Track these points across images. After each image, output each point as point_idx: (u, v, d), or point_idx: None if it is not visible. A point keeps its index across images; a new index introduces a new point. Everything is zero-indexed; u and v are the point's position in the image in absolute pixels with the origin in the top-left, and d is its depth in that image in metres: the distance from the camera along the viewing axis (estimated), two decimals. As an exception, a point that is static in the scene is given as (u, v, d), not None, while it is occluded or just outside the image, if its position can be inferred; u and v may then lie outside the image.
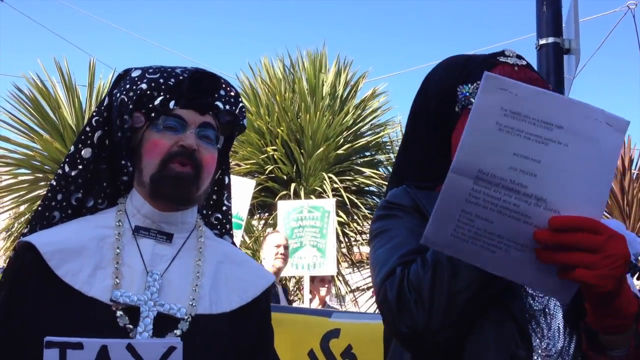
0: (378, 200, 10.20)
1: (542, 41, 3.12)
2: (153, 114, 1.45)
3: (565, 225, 0.92)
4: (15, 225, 9.56)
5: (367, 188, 10.46)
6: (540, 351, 1.17)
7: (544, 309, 1.21)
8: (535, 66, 3.20)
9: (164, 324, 1.33)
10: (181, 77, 1.48)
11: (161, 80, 1.47)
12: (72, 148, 1.52)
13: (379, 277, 1.22)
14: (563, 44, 3.09)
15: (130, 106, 1.46)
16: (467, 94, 1.32)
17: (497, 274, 1.03)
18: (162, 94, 1.46)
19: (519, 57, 1.37)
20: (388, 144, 10.79)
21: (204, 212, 1.62)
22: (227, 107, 1.52)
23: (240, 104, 1.57)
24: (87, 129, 1.52)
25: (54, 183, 1.49)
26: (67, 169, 1.48)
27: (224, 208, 1.66)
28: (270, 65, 11.01)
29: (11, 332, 1.31)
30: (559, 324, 1.20)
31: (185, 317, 1.35)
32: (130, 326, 1.29)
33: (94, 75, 9.86)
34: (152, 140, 1.44)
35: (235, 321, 1.42)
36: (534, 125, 0.92)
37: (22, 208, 9.71)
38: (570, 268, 0.93)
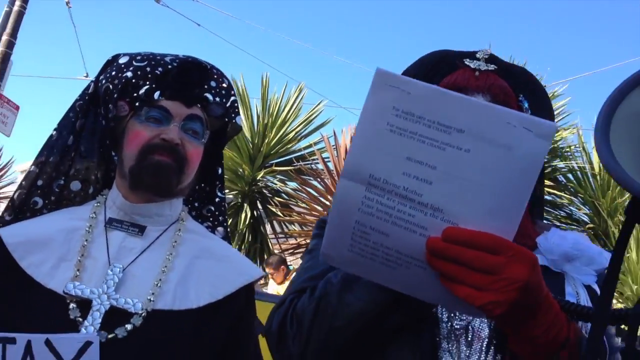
0: (555, 212, 9.60)
1: None
2: (137, 104, 1.41)
3: (459, 239, 0.81)
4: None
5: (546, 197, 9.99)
6: None
7: (466, 326, 1.09)
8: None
9: (116, 318, 1.27)
10: (169, 67, 1.43)
11: (148, 69, 1.43)
12: (53, 133, 1.50)
13: (274, 306, 1.19)
14: None
15: (115, 95, 1.42)
16: None
17: (402, 291, 0.94)
18: (147, 83, 1.41)
19: (491, 59, 1.24)
20: (566, 149, 9.99)
21: (196, 204, 1.60)
22: (218, 99, 1.47)
23: (233, 98, 1.50)
24: (71, 114, 1.50)
25: (34, 169, 1.47)
26: (46, 154, 1.47)
27: (217, 199, 1.60)
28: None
29: None
30: (482, 343, 1.08)
31: (140, 312, 1.29)
32: (80, 319, 1.26)
33: (267, 87, 10.34)
34: (135, 130, 1.40)
35: (204, 319, 1.34)
36: (429, 128, 0.83)
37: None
38: (458, 282, 0.83)
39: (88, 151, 1.49)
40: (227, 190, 9.71)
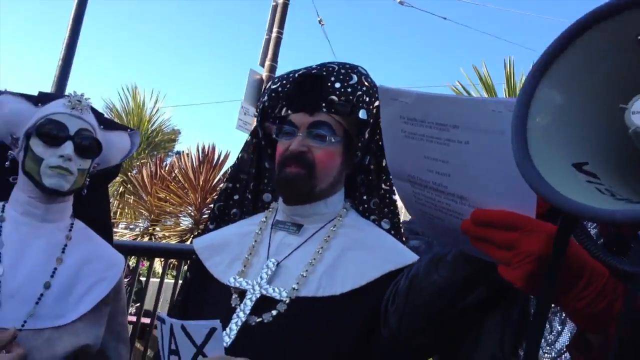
0: None
1: None
2: (277, 122, 1.58)
3: (482, 220, 0.87)
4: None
5: None
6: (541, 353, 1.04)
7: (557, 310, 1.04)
8: None
9: (265, 305, 1.42)
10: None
11: (279, 89, 1.59)
12: (241, 154, 1.75)
13: None
14: None
15: (259, 118, 1.65)
16: None
17: (486, 258, 0.96)
18: (280, 102, 1.58)
19: None
20: None
21: (364, 197, 1.64)
22: (343, 98, 1.52)
23: (359, 93, 1.54)
24: (250, 136, 1.76)
25: (228, 185, 1.75)
26: (238, 171, 1.74)
27: (381, 192, 1.64)
28: None
29: (182, 310, 1.64)
30: (566, 324, 1.02)
31: (285, 299, 1.41)
32: (238, 306, 1.44)
33: (513, 71, 10.00)
34: (277, 147, 1.57)
35: (347, 305, 1.41)
36: (430, 129, 0.90)
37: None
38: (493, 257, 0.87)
39: (270, 164, 1.72)
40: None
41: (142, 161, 13.89)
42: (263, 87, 10.54)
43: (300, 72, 1.59)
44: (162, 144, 15.82)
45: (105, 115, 1.82)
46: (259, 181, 1.74)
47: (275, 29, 10.55)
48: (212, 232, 1.71)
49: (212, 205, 1.84)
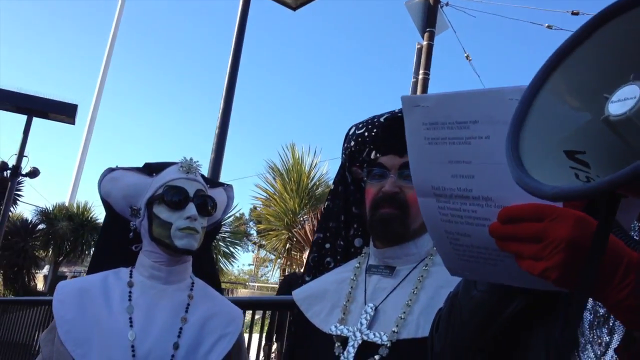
0: None
1: None
2: (365, 166, 1.62)
3: (507, 216, 0.84)
4: None
5: None
6: None
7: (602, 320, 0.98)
8: None
9: (368, 351, 1.45)
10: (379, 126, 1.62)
11: (366, 134, 1.65)
12: (328, 203, 1.81)
13: None
14: None
15: (347, 164, 1.72)
16: None
17: (517, 285, 0.97)
18: (367, 146, 1.63)
19: None
20: None
21: None
22: None
23: None
24: (335, 184, 1.81)
25: (320, 235, 1.80)
26: (327, 220, 1.80)
27: None
28: None
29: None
30: (614, 333, 0.96)
31: (386, 343, 1.43)
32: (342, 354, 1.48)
33: None
34: (366, 190, 1.61)
35: None
36: (451, 129, 0.90)
37: None
38: (521, 257, 0.82)
39: (358, 209, 1.76)
40: None
41: (304, 216, 14.26)
42: (415, 130, 10.44)
43: (385, 116, 1.66)
44: (323, 197, 16.18)
45: (267, 174, 2.09)
46: (348, 227, 1.79)
47: (421, 71, 10.50)
48: (310, 282, 1.76)
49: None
